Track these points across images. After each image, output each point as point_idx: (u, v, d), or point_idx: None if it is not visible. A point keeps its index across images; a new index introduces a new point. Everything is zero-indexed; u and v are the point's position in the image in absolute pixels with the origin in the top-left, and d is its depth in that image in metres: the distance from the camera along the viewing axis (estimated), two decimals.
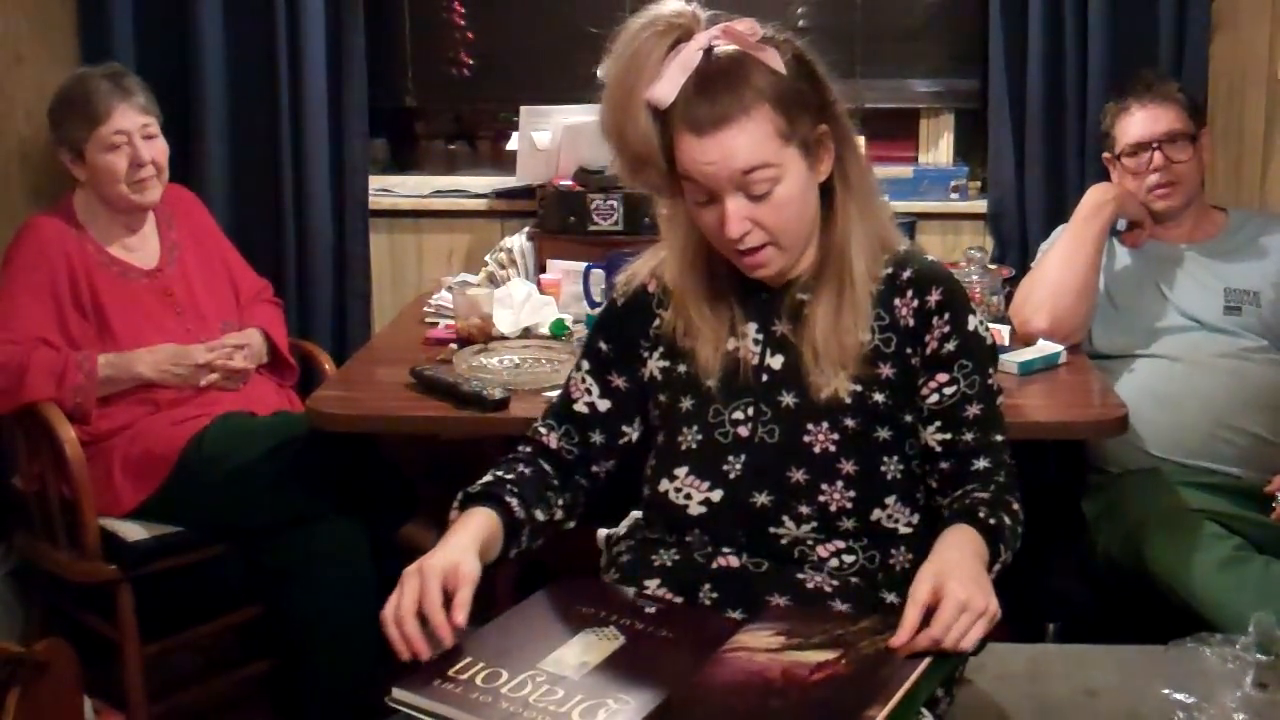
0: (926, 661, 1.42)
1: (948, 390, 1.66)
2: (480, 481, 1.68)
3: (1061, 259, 2.63)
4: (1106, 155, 2.77)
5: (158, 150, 2.72)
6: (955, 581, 1.42)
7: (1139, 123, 2.68)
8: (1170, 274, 2.68)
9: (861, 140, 3.01)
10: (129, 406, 2.64)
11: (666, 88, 1.54)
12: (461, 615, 1.47)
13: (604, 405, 1.78)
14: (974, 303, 2.62)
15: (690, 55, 1.54)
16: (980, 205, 3.13)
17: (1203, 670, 1.65)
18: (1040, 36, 2.93)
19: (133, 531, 2.55)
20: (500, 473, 1.70)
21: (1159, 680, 1.68)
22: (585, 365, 1.79)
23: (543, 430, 1.80)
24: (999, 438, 1.69)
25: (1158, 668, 1.71)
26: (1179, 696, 1.64)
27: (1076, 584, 2.56)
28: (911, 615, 1.42)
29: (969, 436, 1.66)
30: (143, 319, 2.70)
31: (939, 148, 3.25)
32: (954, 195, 3.16)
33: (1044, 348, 2.51)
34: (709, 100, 1.54)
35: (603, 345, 1.79)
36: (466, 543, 1.58)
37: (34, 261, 2.63)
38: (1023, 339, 2.57)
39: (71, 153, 2.70)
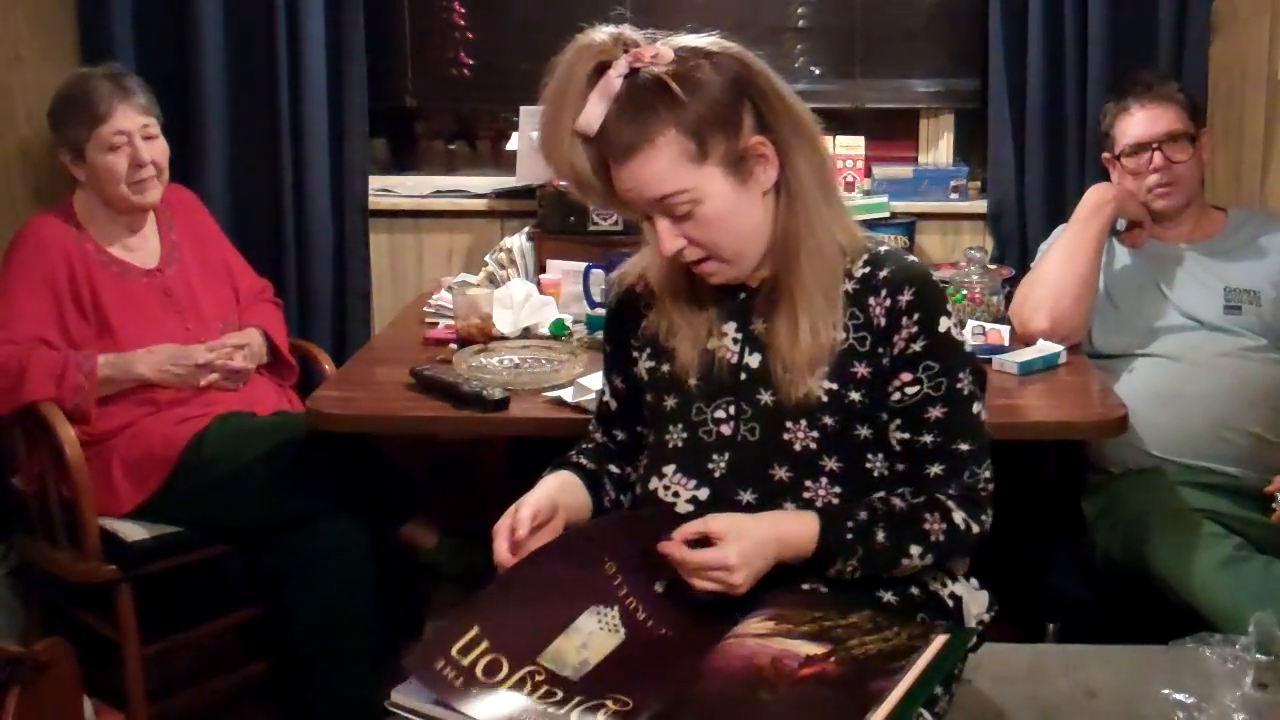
0: (924, 664, 1.42)
1: (910, 390, 1.65)
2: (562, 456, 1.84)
3: (1061, 259, 2.63)
4: (1106, 155, 2.77)
5: (158, 151, 2.72)
6: (736, 546, 1.53)
7: (1139, 123, 2.68)
8: (1170, 274, 2.67)
9: (859, 141, 3.08)
10: (129, 406, 2.64)
11: (589, 117, 1.56)
12: (521, 530, 1.62)
13: (614, 405, 1.86)
14: (972, 304, 2.66)
15: (610, 83, 1.55)
16: (980, 205, 3.13)
17: (1202, 670, 1.65)
18: (1040, 37, 2.93)
19: (132, 531, 2.55)
20: (577, 448, 1.87)
21: (1159, 680, 1.68)
22: (605, 365, 1.87)
23: (591, 427, 1.91)
24: (965, 447, 1.66)
25: (1157, 668, 1.71)
26: (1179, 696, 1.64)
27: (1076, 584, 2.56)
28: (688, 530, 1.55)
29: (927, 439, 1.65)
30: (143, 319, 2.70)
31: (939, 148, 3.25)
32: (954, 195, 3.16)
33: (1043, 348, 2.51)
34: (619, 128, 1.56)
35: (608, 347, 1.86)
36: (551, 486, 1.73)
37: (34, 261, 2.63)
38: (1022, 339, 2.57)
39: (72, 153, 2.70)
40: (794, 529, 1.61)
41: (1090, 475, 2.62)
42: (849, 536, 1.60)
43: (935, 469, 1.65)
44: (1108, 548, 2.45)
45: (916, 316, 1.63)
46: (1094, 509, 2.55)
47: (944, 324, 1.65)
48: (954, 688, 1.71)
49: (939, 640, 1.49)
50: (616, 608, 1.54)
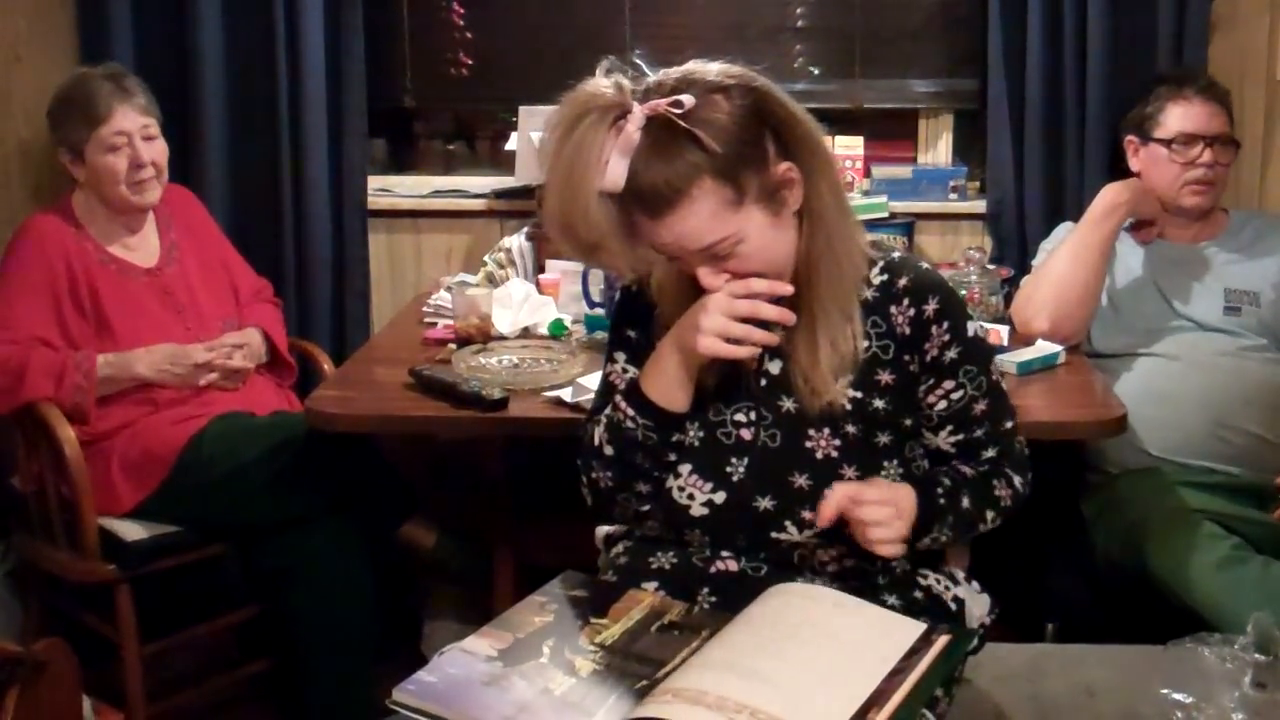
0: (925, 665, 1.42)
1: (955, 396, 1.69)
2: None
3: (1068, 260, 2.61)
4: (1132, 138, 2.74)
5: (157, 151, 2.72)
6: (874, 491, 1.59)
7: (1198, 115, 2.67)
8: (1170, 274, 2.67)
9: (858, 141, 3.08)
10: (128, 406, 2.63)
11: (614, 175, 1.50)
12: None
13: None
14: (972, 304, 2.66)
15: (629, 139, 1.49)
16: (979, 205, 3.13)
17: (1201, 670, 1.65)
18: (1040, 37, 2.93)
19: (132, 531, 2.55)
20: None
21: (1157, 680, 1.68)
22: (620, 356, 1.78)
23: (594, 428, 1.76)
24: (1008, 424, 1.75)
25: (1156, 667, 1.71)
26: (1177, 696, 1.64)
27: (1075, 584, 2.56)
28: (831, 503, 1.57)
29: (979, 433, 1.71)
30: (142, 318, 2.70)
31: (938, 148, 3.25)
32: (953, 195, 3.16)
33: (1043, 348, 2.51)
34: (651, 184, 1.51)
35: (629, 333, 1.78)
36: None
37: (33, 261, 2.63)
38: (1022, 339, 2.57)
39: (71, 153, 2.70)
40: (902, 494, 1.63)
41: (1089, 475, 2.62)
42: (942, 502, 1.65)
43: (989, 453, 1.73)
44: (1107, 548, 2.45)
45: (946, 325, 1.66)
46: (1093, 509, 2.55)
47: (970, 327, 1.69)
48: (954, 689, 1.71)
49: (940, 642, 1.50)
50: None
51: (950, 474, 1.70)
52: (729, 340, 1.59)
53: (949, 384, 1.68)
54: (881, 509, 1.57)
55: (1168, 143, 2.67)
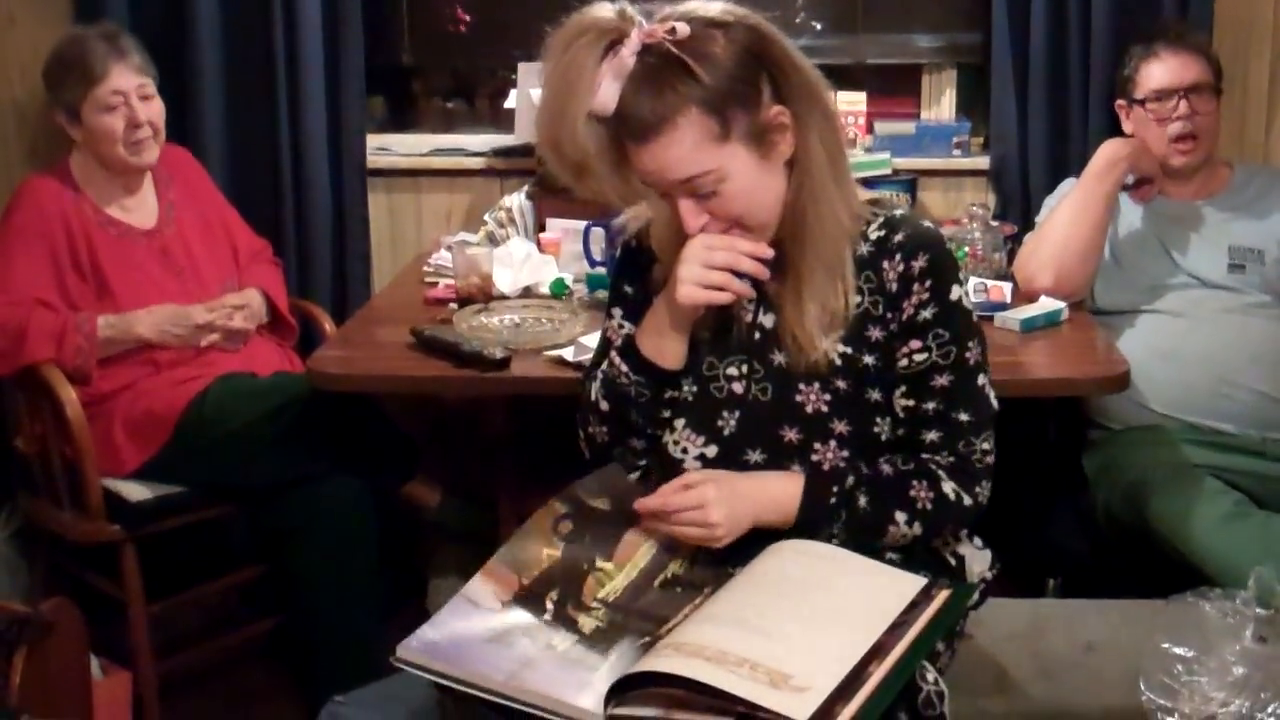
0: (926, 619, 1.43)
1: (918, 357, 1.64)
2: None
3: (1070, 216, 2.60)
4: (1121, 102, 2.74)
5: (154, 111, 2.70)
6: (714, 487, 1.57)
7: (1168, 70, 2.65)
8: (1174, 231, 2.66)
9: (861, 96, 3.06)
10: (129, 367, 2.63)
11: (605, 97, 1.52)
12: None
13: None
14: (975, 261, 2.65)
15: (623, 62, 1.51)
16: (983, 161, 3.11)
17: (1202, 624, 1.66)
18: None
19: (135, 492, 2.56)
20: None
21: (1158, 634, 1.68)
22: (617, 312, 1.80)
23: (590, 384, 1.78)
24: (965, 417, 1.64)
25: (1157, 622, 1.71)
26: (1178, 650, 1.64)
27: (1076, 539, 2.57)
28: (669, 486, 1.57)
29: (929, 406, 1.65)
30: (142, 280, 2.69)
31: (941, 103, 3.23)
32: (956, 151, 3.14)
33: (1046, 304, 2.50)
34: (638, 109, 1.52)
35: (627, 288, 1.79)
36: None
37: (31, 223, 2.62)
38: (1026, 296, 2.56)
39: (67, 114, 2.68)
40: (778, 488, 1.62)
41: (1091, 432, 2.62)
42: (832, 501, 1.61)
43: (931, 435, 1.65)
44: (1108, 504, 2.45)
45: (929, 283, 1.62)
46: (1095, 465, 2.56)
47: (955, 292, 1.64)
48: (956, 643, 1.72)
49: (941, 596, 1.50)
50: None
51: (858, 471, 1.64)
52: (707, 288, 1.59)
53: (915, 343, 1.63)
54: (688, 517, 1.57)
55: (1145, 103, 2.67)
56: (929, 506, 1.63)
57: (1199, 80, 2.64)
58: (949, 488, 1.64)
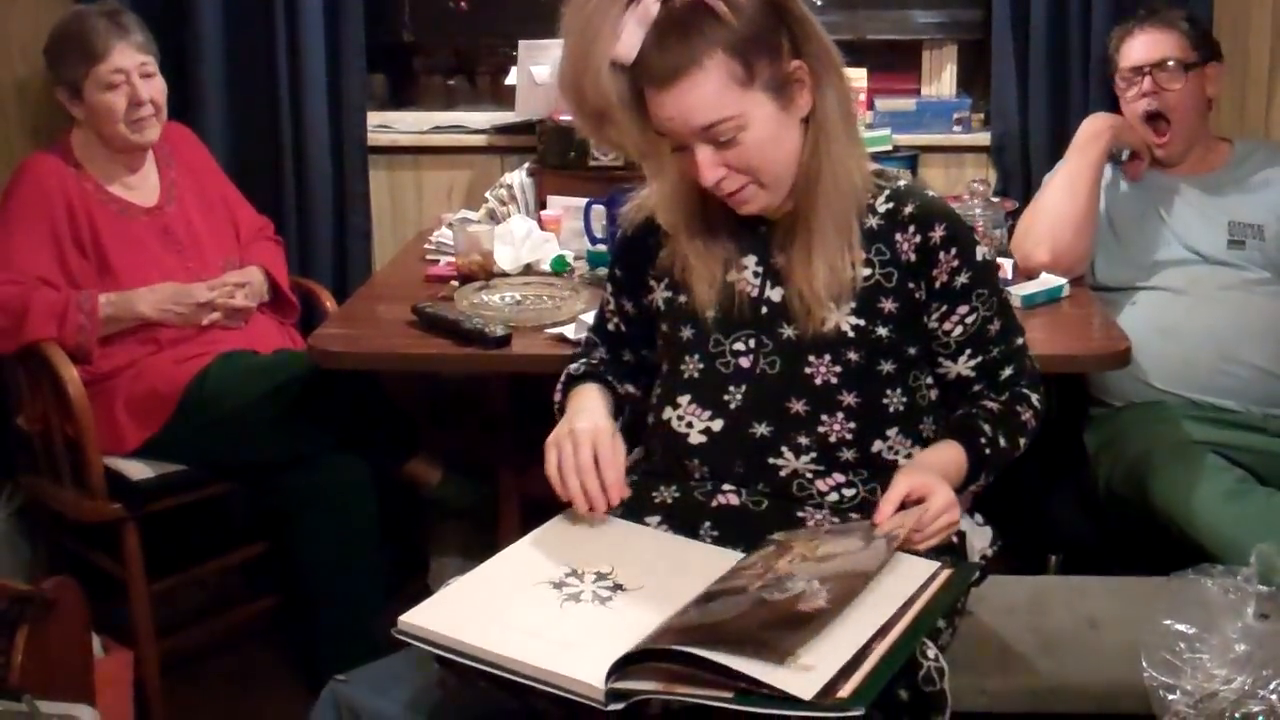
0: (927, 597, 1.43)
1: (970, 320, 1.70)
2: (577, 365, 1.87)
3: (1060, 191, 2.61)
4: (1116, 83, 2.73)
5: (156, 89, 2.69)
6: (943, 489, 1.57)
7: (1138, 46, 2.65)
8: (1173, 206, 2.66)
9: (861, 73, 3.05)
10: (131, 346, 2.63)
11: (628, 44, 1.53)
12: (616, 475, 1.64)
13: (625, 328, 1.86)
14: (978, 237, 2.65)
15: (647, 9, 1.53)
16: (983, 138, 3.10)
17: (1204, 601, 1.66)
18: None
19: (137, 470, 2.56)
20: (589, 360, 1.87)
21: (1160, 611, 1.69)
22: (610, 288, 1.87)
23: (591, 345, 1.91)
24: (1019, 341, 1.78)
25: (1159, 599, 1.72)
26: (1180, 627, 1.65)
27: (1078, 516, 2.57)
28: (892, 499, 1.55)
29: (996, 352, 1.74)
30: (143, 257, 2.69)
31: (942, 79, 3.21)
32: (957, 128, 3.13)
33: (1046, 281, 2.50)
34: (662, 53, 1.53)
35: (618, 271, 1.85)
36: (600, 409, 1.75)
37: (33, 200, 2.62)
38: (1025, 272, 2.56)
39: (69, 91, 2.67)
40: (952, 460, 1.67)
41: (1093, 408, 2.62)
42: (987, 452, 1.69)
43: (1007, 371, 1.75)
44: (1110, 480, 2.45)
45: (954, 250, 1.67)
46: (1096, 442, 2.56)
47: (979, 252, 1.71)
48: (957, 620, 1.72)
49: (943, 575, 1.51)
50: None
51: (983, 416, 1.72)
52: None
53: (963, 309, 1.69)
54: (948, 516, 1.57)
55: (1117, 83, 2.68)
56: (1034, 423, 1.77)
57: (1166, 56, 2.62)
58: (1036, 399, 1.78)
